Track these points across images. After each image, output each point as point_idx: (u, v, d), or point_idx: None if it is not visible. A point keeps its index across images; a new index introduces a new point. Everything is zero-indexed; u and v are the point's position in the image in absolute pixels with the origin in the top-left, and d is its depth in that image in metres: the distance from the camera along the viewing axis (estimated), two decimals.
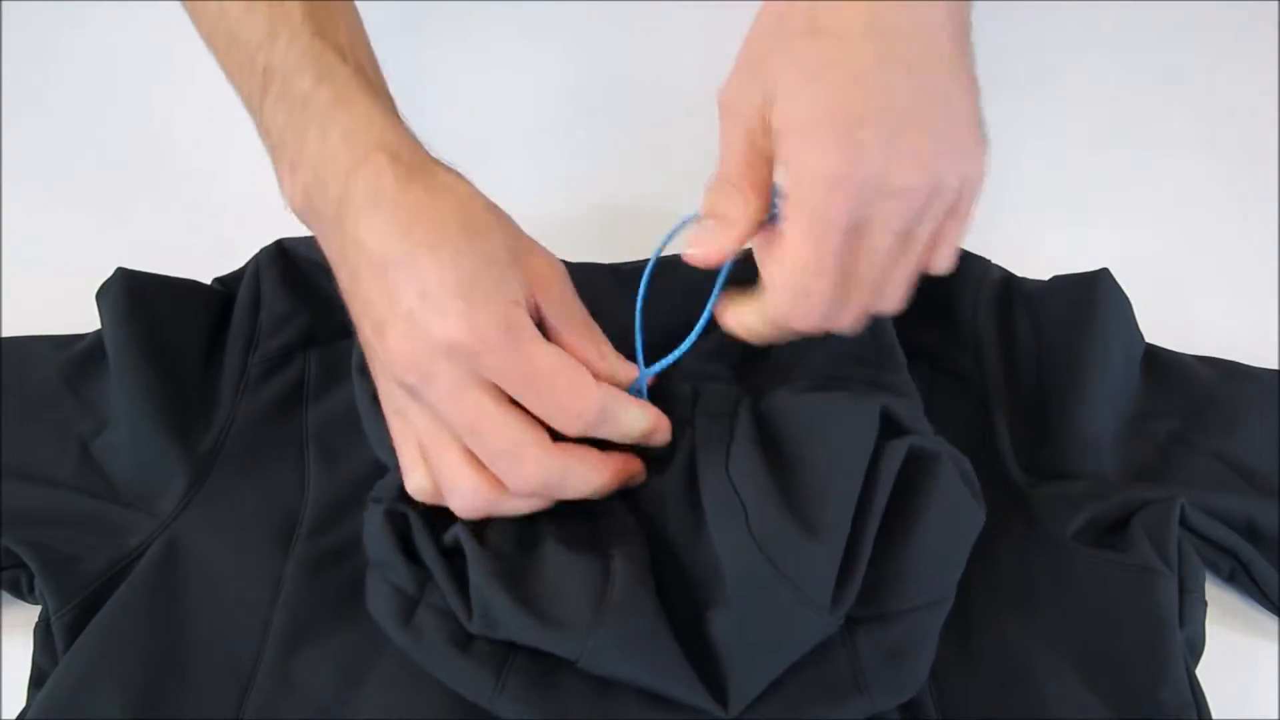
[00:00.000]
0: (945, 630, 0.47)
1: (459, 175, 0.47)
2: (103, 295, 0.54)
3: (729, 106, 0.45)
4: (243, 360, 0.56)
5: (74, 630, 0.48)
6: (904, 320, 0.56)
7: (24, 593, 0.50)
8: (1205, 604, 0.48)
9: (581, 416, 0.44)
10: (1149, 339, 0.57)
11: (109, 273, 0.55)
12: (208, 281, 0.59)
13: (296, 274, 0.58)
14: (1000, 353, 0.56)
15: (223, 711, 0.46)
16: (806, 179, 0.41)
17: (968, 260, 0.58)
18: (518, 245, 0.46)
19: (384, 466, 0.50)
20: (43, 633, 0.49)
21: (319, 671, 0.47)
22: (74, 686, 0.46)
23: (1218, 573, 0.52)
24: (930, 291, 0.57)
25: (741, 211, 0.44)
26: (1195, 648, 0.48)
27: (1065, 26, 0.77)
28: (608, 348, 0.47)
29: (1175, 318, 0.59)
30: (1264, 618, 0.52)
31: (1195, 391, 0.56)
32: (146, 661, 0.47)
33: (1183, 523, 0.50)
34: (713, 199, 0.46)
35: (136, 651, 0.47)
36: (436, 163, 0.47)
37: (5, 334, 0.60)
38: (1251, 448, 0.54)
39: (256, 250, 0.58)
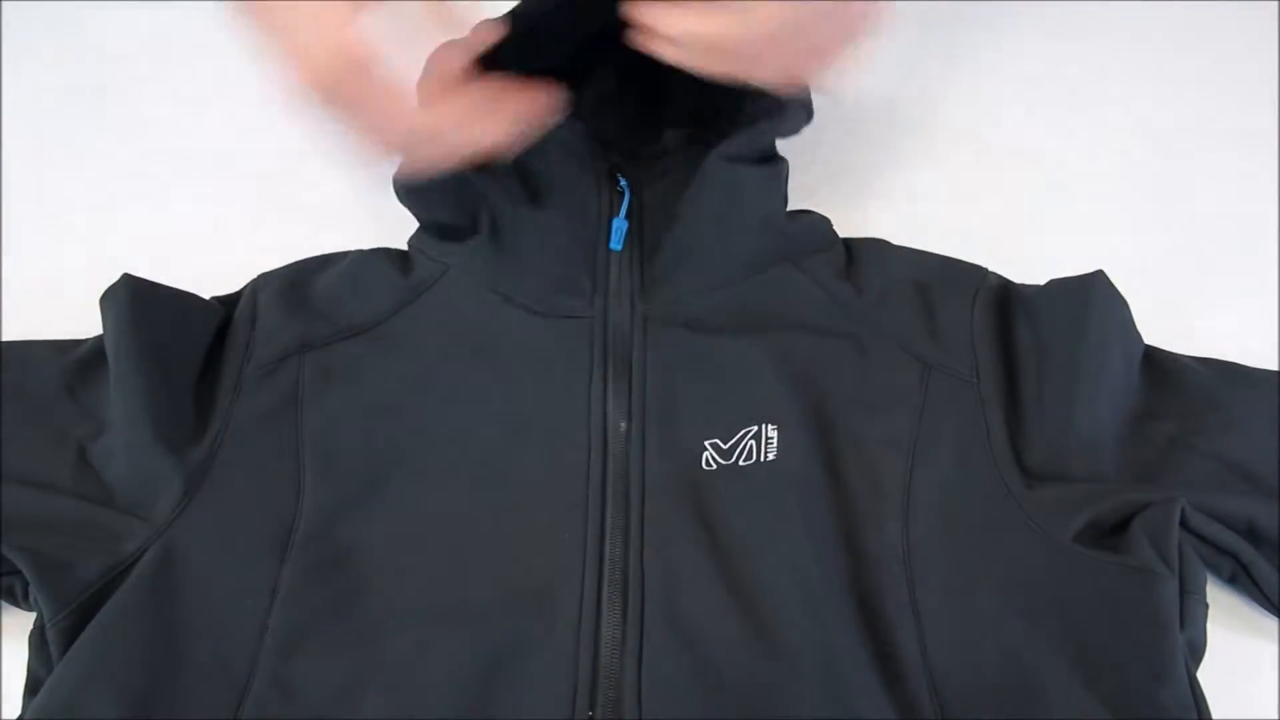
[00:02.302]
0: (946, 632, 0.48)
1: None
2: (107, 300, 0.54)
3: None
4: (238, 368, 0.56)
5: (69, 637, 0.48)
6: (900, 324, 0.57)
7: (19, 599, 0.50)
8: (1206, 606, 0.48)
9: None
10: (1147, 340, 0.57)
11: (109, 279, 0.55)
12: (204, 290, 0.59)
13: (293, 290, 0.59)
14: (998, 356, 0.56)
15: (219, 715, 0.46)
16: None
17: (965, 268, 0.59)
18: None
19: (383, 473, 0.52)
20: (38, 640, 0.49)
21: (317, 677, 0.47)
22: (70, 692, 0.46)
23: (1218, 574, 0.52)
24: (928, 296, 0.57)
25: None
26: (1196, 649, 0.48)
27: (1064, 27, 0.77)
28: None
29: (1174, 318, 0.59)
30: (1265, 619, 0.52)
31: (1194, 393, 0.56)
32: (142, 666, 0.47)
33: (1183, 524, 0.49)
34: None
35: (132, 656, 0.47)
36: None
37: (5, 338, 0.60)
38: (1251, 449, 0.54)
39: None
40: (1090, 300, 0.55)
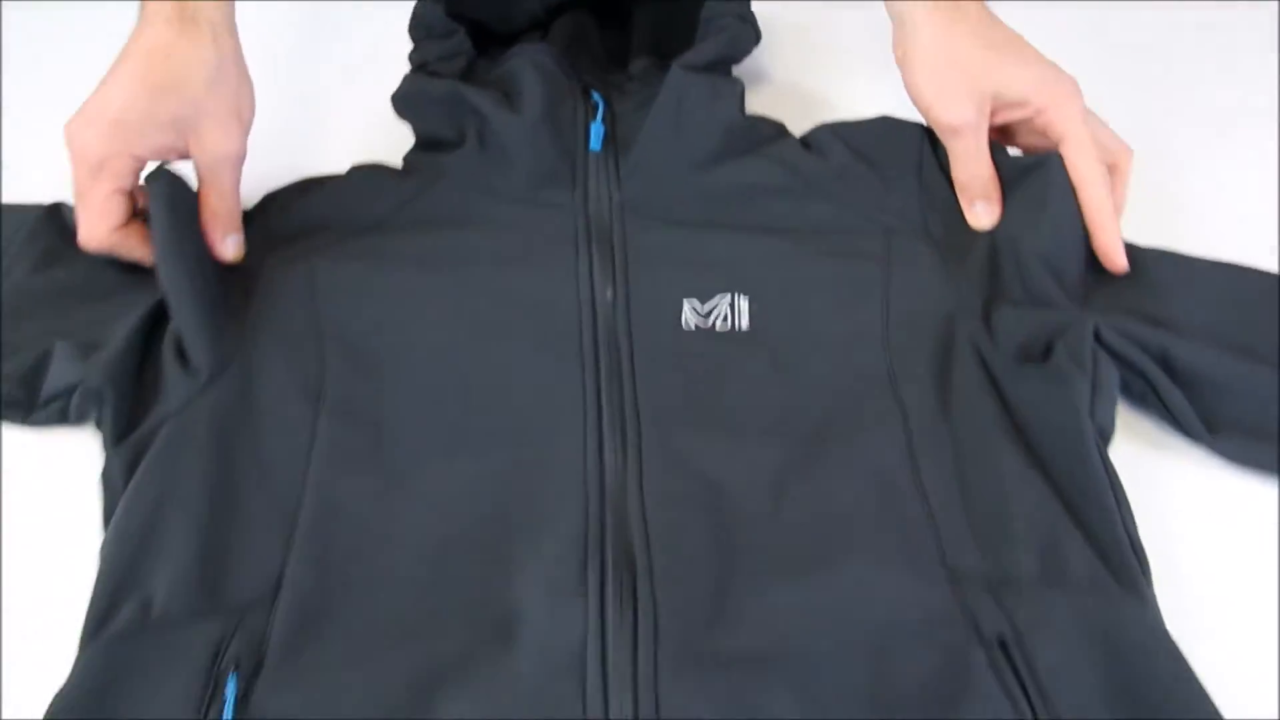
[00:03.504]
0: (930, 442, 0.56)
1: (223, 46, 0.62)
2: (152, 181, 0.60)
3: (968, 127, 0.64)
4: (260, 259, 0.64)
5: (129, 470, 0.54)
6: (858, 195, 0.66)
7: (71, 419, 0.59)
8: (1115, 399, 0.57)
9: (88, 244, 0.62)
10: None
11: None
12: None
13: (303, 198, 0.67)
14: (947, 212, 0.65)
15: (277, 537, 0.53)
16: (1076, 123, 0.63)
17: (906, 135, 0.68)
18: (196, 115, 0.61)
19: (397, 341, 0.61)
20: (105, 480, 0.55)
21: (356, 503, 0.54)
22: (146, 513, 0.52)
23: (1130, 393, 0.59)
24: (879, 169, 0.67)
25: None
26: (1105, 433, 0.56)
27: (1064, 27, 0.76)
28: (216, 228, 0.63)
29: (1263, 495, 0.59)
30: (1264, 616, 0.53)
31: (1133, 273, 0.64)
32: (207, 497, 0.53)
33: (1099, 340, 0.58)
34: (984, 191, 0.65)
35: (194, 486, 0.53)
36: (225, 28, 0.63)
37: None
38: (1172, 307, 0.61)
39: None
40: (1051, 164, 0.63)
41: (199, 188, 0.62)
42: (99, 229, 0.61)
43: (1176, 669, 0.47)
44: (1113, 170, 0.65)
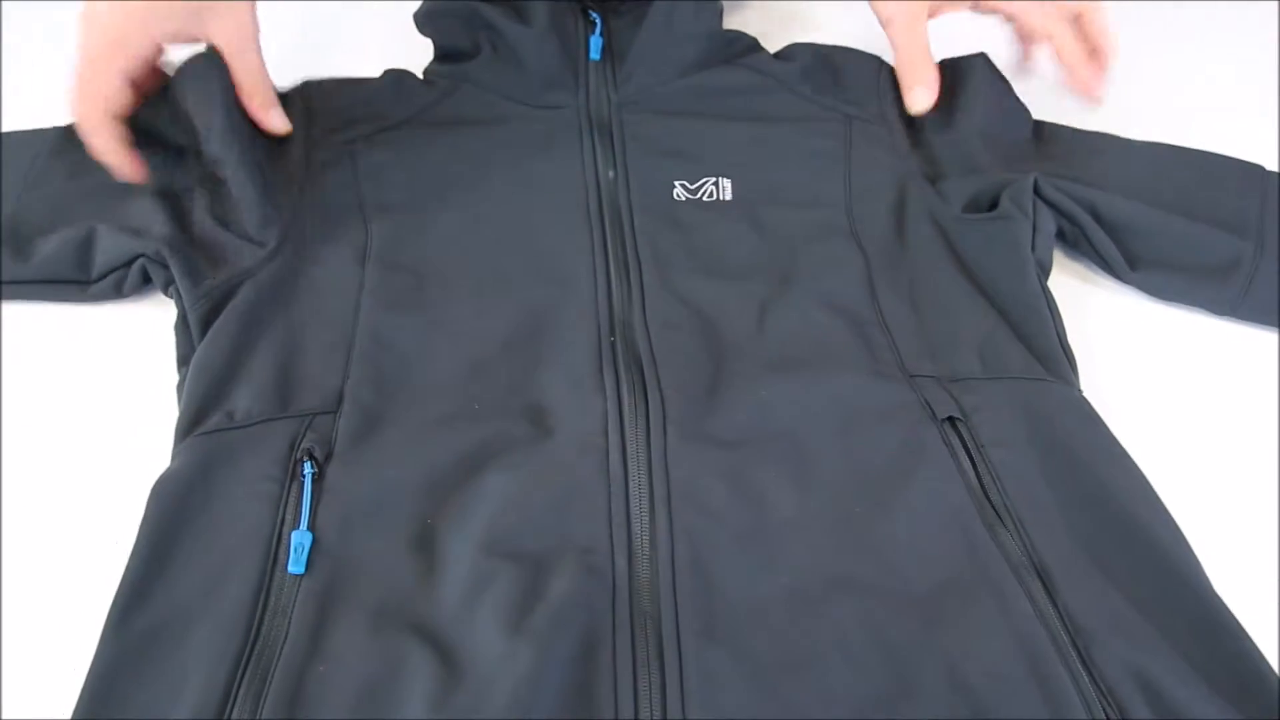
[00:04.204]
0: (888, 284, 0.65)
1: None
2: (203, 59, 0.68)
3: (902, 16, 0.73)
4: (304, 151, 0.72)
5: (206, 321, 0.62)
6: (824, 90, 0.76)
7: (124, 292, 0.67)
8: (1052, 240, 0.67)
9: (85, 120, 0.67)
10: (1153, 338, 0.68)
11: None
12: None
13: (342, 92, 0.76)
14: (899, 107, 0.75)
15: (337, 362, 0.61)
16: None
17: (865, 53, 0.78)
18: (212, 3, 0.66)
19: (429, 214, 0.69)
20: (181, 326, 0.63)
21: (402, 333, 0.63)
22: (229, 349, 0.61)
23: (1065, 240, 0.69)
24: (842, 71, 0.76)
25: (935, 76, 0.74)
26: (1044, 267, 0.66)
27: None
28: (254, 103, 0.70)
29: (1174, 319, 0.67)
30: (1259, 607, 0.54)
31: (1063, 144, 0.74)
32: (277, 335, 0.62)
33: (1038, 193, 0.67)
34: (921, 77, 0.73)
35: (267, 327, 0.62)
36: None
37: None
38: (1101, 170, 0.71)
39: None
40: (980, 73, 0.74)
41: (230, 71, 0.68)
42: (97, 110, 0.66)
43: (1092, 427, 0.57)
44: (1081, 16, 0.73)
